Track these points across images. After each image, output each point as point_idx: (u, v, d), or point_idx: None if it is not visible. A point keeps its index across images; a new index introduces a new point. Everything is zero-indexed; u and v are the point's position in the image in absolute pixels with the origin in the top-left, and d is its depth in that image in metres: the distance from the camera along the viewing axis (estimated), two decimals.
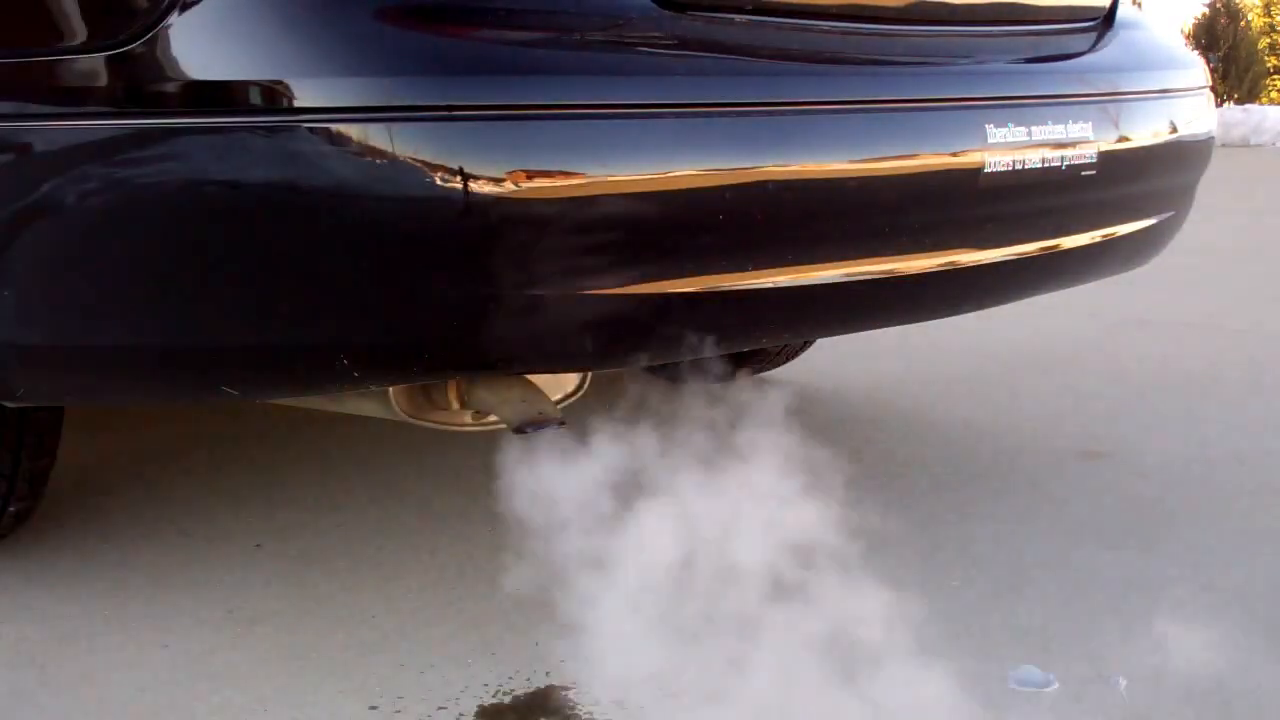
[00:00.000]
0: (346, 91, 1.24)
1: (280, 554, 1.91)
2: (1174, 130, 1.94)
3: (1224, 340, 3.51)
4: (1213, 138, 2.09)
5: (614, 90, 1.34)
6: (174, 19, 1.28)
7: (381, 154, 1.23)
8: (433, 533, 1.99)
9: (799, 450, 2.52)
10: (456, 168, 1.23)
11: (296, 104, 1.24)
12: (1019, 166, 1.64)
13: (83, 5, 1.37)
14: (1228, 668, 1.60)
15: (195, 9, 1.28)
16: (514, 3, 1.35)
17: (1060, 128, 1.70)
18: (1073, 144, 1.71)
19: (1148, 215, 1.98)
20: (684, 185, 1.36)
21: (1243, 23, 20.18)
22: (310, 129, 1.25)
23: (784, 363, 2.94)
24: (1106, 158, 1.77)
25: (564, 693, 1.54)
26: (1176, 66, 2.01)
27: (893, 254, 1.58)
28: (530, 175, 1.26)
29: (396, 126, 1.23)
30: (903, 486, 2.27)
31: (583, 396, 1.76)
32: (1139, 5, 2.06)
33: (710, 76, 1.43)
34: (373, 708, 1.50)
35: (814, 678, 1.57)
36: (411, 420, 1.60)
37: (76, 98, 1.39)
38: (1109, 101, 1.80)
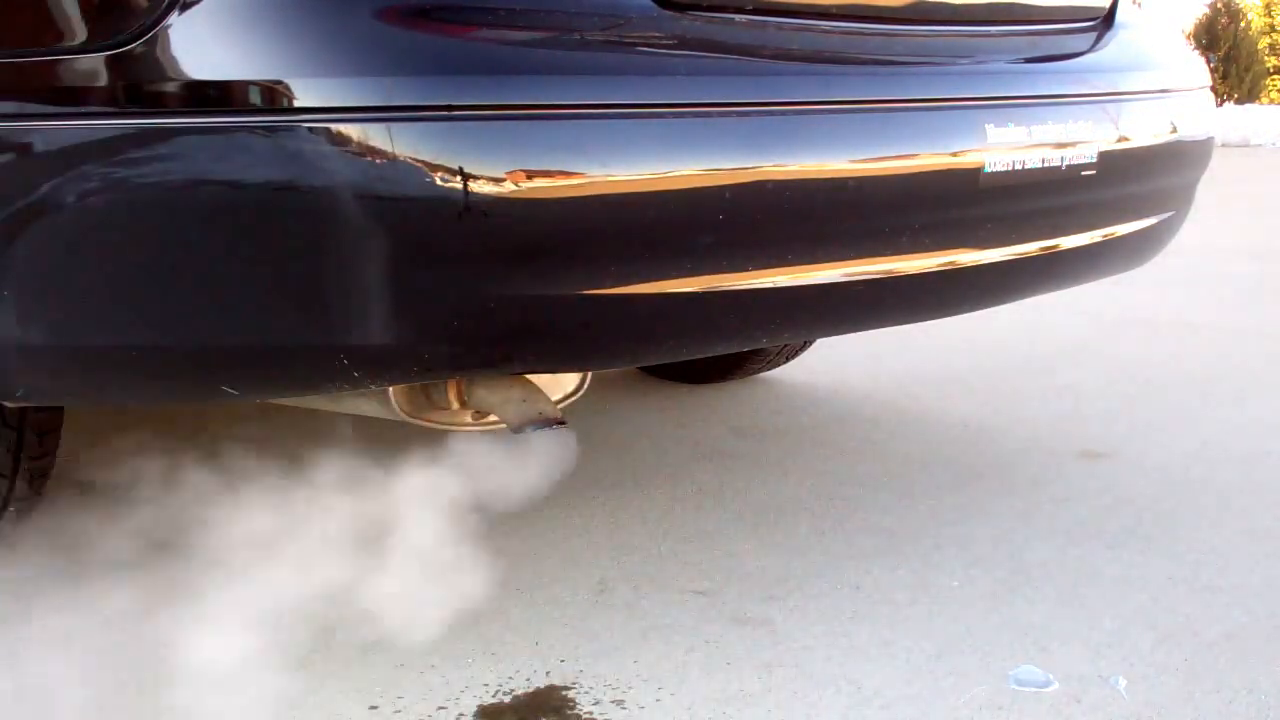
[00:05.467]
0: (346, 91, 1.24)
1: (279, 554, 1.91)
2: (1174, 130, 1.94)
3: (1224, 340, 3.52)
4: (1213, 138, 2.09)
5: (614, 90, 1.34)
6: (174, 19, 1.28)
7: (381, 154, 1.23)
8: (432, 533, 1.99)
9: (797, 451, 2.52)
10: (456, 168, 1.23)
11: (296, 104, 1.24)
12: (1019, 166, 1.64)
13: (83, 5, 1.37)
14: (1228, 668, 1.60)
15: (195, 9, 1.28)
16: (514, 3, 1.35)
17: (1060, 127, 1.70)
18: (1073, 144, 1.71)
19: (1147, 215, 1.98)
20: (684, 185, 1.36)
21: (1243, 23, 20.18)
22: (310, 129, 1.25)
23: (784, 363, 2.94)
24: (1106, 157, 1.77)
25: (564, 693, 1.54)
26: (1176, 66, 2.01)
27: (893, 254, 1.58)
28: (530, 175, 1.26)
29: (396, 126, 1.23)
30: (903, 486, 2.27)
31: (582, 396, 1.76)
32: (1139, 5, 2.06)
33: (710, 76, 1.43)
34: (373, 708, 1.50)
35: (823, 677, 1.58)
36: (411, 420, 1.60)
37: (77, 98, 1.38)
38: (1109, 101, 1.80)
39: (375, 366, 1.39)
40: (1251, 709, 1.51)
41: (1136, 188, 1.92)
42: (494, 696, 1.53)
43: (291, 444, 2.49)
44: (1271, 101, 20.35)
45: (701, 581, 1.85)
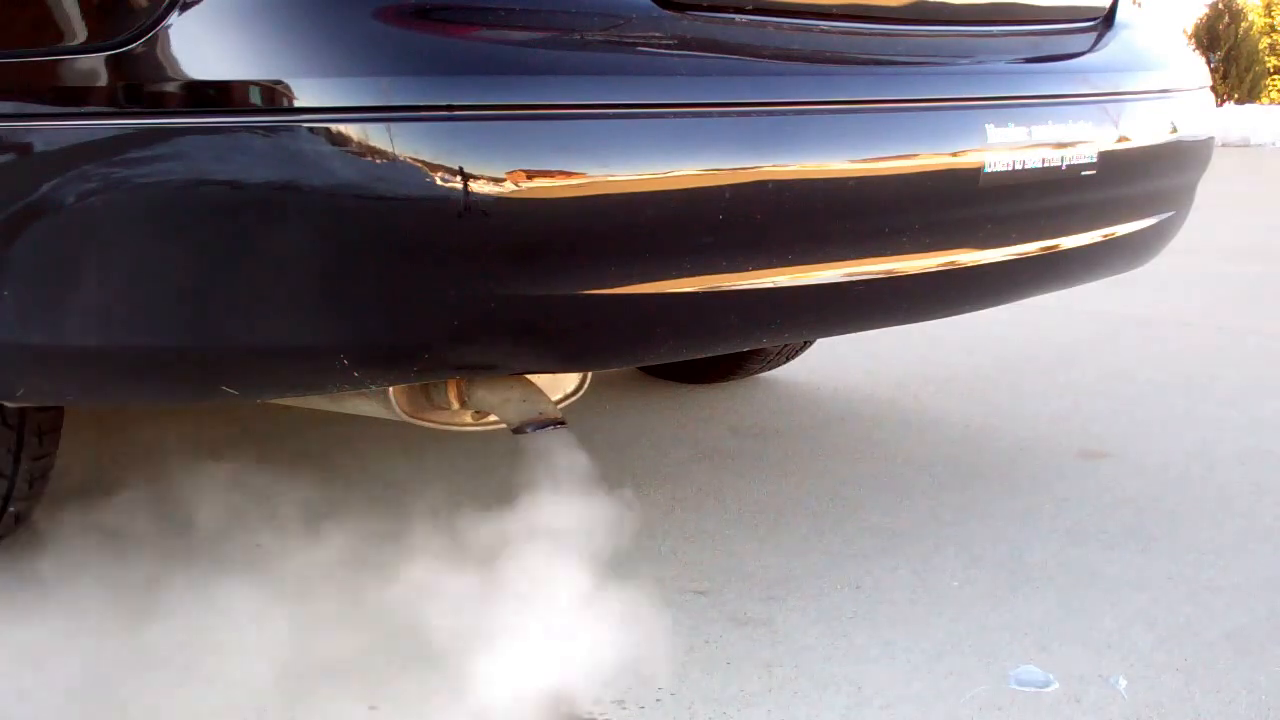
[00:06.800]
0: (346, 91, 1.24)
1: (278, 554, 1.91)
2: (1174, 130, 1.94)
3: (1224, 340, 3.52)
4: (1213, 138, 2.09)
5: (614, 90, 1.34)
6: (174, 19, 1.28)
7: (381, 154, 1.23)
8: (433, 534, 1.99)
9: (797, 451, 2.52)
10: (456, 168, 1.23)
11: (296, 104, 1.24)
12: (1019, 166, 1.64)
13: (83, 5, 1.37)
14: (1228, 668, 1.60)
15: (195, 9, 1.28)
16: (514, 3, 1.35)
17: (1060, 127, 1.70)
18: (1073, 144, 1.71)
19: (1147, 215, 1.98)
20: (684, 185, 1.36)
21: (1244, 23, 20.16)
22: (310, 129, 1.25)
23: (784, 363, 2.94)
24: (1106, 157, 1.77)
25: (564, 693, 1.54)
26: (1176, 66, 2.01)
27: (893, 254, 1.58)
28: (530, 175, 1.26)
29: (396, 126, 1.23)
30: (903, 486, 2.27)
31: (582, 396, 1.76)
32: (1139, 5, 2.06)
33: (710, 77, 1.43)
34: (373, 708, 1.50)
35: (823, 677, 1.58)
36: (411, 420, 1.60)
37: (76, 98, 1.38)
38: (1109, 101, 1.80)
39: (375, 366, 1.39)
40: (1251, 709, 1.51)
41: (1136, 188, 1.92)
42: (494, 696, 1.53)
43: (287, 447, 2.49)
44: (1271, 101, 20.35)
45: (701, 581, 1.85)
